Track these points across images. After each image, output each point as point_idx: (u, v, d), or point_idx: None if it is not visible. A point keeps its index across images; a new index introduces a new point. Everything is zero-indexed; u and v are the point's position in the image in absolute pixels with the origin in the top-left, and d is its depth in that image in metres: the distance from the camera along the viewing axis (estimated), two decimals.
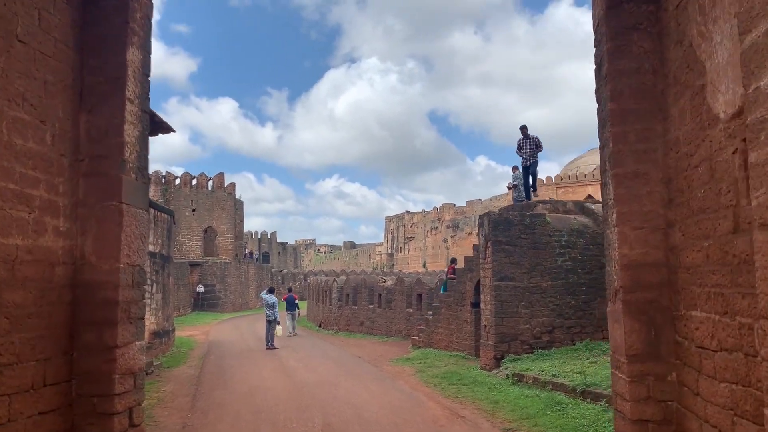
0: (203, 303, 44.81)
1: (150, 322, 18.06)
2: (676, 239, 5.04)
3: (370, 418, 9.26)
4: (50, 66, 5.26)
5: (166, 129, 18.78)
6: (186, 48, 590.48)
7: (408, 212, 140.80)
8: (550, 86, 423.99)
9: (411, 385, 12.40)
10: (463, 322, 16.86)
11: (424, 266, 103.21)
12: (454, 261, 19.96)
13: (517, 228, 14.03)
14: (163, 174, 49.06)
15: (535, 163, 17.02)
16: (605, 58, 5.59)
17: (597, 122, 6.01)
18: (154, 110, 17.17)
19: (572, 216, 15.01)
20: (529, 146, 16.69)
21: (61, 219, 5.37)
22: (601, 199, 6.27)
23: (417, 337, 19.26)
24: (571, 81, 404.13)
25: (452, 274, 18.39)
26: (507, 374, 12.29)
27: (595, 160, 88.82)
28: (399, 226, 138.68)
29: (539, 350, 13.59)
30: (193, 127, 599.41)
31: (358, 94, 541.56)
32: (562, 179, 69.37)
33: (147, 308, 18.39)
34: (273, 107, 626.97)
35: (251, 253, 64.40)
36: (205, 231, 49.16)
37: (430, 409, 9.95)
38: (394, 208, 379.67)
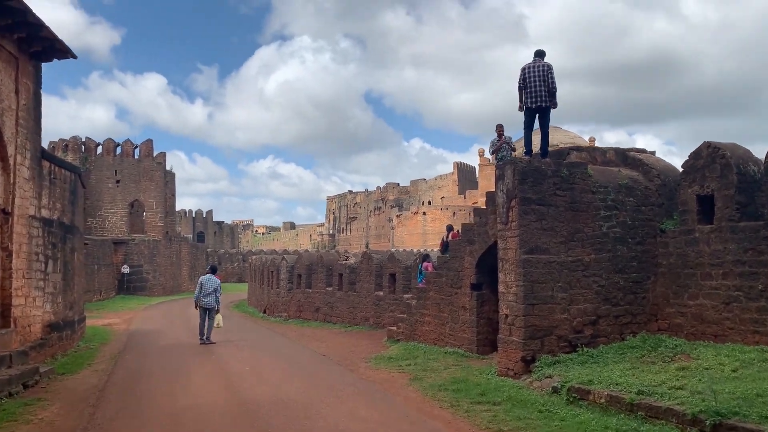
0: (129, 285, 39.93)
1: (44, 311, 13.54)
2: None
3: None
4: None
5: (63, 52, 14.11)
6: (108, 18, 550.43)
7: (350, 192, 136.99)
8: (483, 69, 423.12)
9: (417, 407, 8.41)
10: (459, 308, 13.02)
11: (366, 247, 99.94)
12: (450, 228, 15.94)
13: (550, 182, 10.22)
14: (83, 140, 43.01)
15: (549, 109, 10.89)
16: None
17: None
18: (42, 21, 12.65)
19: (615, 168, 11.33)
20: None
21: None
22: None
23: (395, 327, 15.30)
24: (503, 64, 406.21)
25: (444, 248, 14.44)
26: (555, 387, 8.51)
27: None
28: (341, 206, 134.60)
29: (583, 348, 9.91)
30: (119, 104, 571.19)
31: (289, 74, 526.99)
32: None
33: (41, 293, 13.93)
34: (202, 84, 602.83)
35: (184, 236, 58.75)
36: (131, 205, 43.45)
37: None
38: (331, 189, 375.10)
